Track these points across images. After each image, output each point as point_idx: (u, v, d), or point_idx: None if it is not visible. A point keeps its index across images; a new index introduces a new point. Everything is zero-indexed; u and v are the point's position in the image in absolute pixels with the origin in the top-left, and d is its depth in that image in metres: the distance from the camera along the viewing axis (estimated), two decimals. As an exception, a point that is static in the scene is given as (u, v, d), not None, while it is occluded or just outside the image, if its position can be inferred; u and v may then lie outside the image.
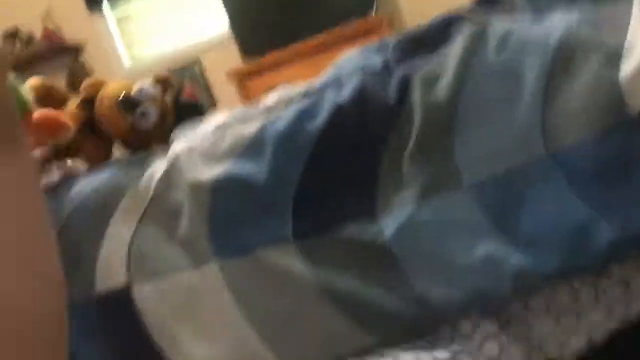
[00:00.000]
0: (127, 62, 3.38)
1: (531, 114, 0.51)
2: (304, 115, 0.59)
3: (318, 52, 2.55)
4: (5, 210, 0.34)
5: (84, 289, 0.61)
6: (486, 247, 0.52)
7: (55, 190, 0.70)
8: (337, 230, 0.56)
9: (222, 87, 3.14)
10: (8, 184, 0.34)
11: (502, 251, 0.51)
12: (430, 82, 0.56)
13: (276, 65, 2.60)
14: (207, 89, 3.31)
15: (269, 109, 0.64)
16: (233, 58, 2.94)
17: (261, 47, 2.73)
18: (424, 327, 0.56)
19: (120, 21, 3.34)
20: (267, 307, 0.57)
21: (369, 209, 0.56)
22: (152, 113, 0.75)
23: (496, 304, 0.55)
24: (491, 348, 0.55)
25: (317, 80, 0.64)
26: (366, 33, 2.51)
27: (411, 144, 0.55)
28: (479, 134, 0.53)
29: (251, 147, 0.61)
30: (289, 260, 0.56)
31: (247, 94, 2.65)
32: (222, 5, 2.75)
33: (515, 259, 0.51)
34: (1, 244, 0.33)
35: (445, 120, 0.54)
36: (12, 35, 3.22)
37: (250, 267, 0.57)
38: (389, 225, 0.55)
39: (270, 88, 0.70)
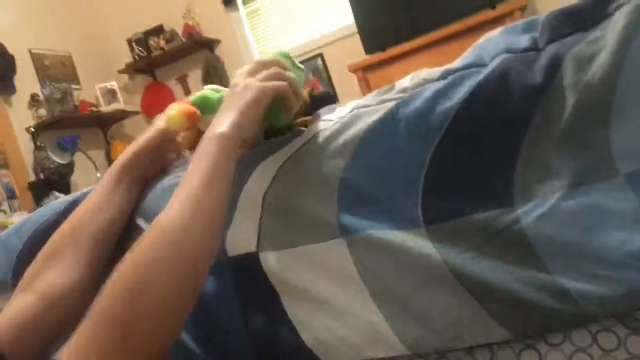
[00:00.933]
0: (257, 56, 3.56)
1: None
2: (440, 95, 0.58)
3: (443, 43, 2.49)
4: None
5: (219, 251, 0.65)
6: None
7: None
8: (470, 215, 0.55)
9: (343, 80, 3.19)
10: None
11: None
12: (585, 61, 0.52)
13: (398, 58, 2.58)
14: (329, 82, 3.38)
15: (404, 90, 0.63)
16: (354, 52, 2.96)
17: (384, 42, 2.73)
18: (564, 323, 0.52)
19: (249, 15, 3.52)
20: (392, 286, 0.57)
21: (505, 194, 0.54)
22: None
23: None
24: None
25: (457, 62, 0.62)
26: (494, 22, 2.39)
27: (560, 127, 0.51)
28: (639, 119, 0.49)
29: (384, 127, 0.61)
30: (419, 242, 0.55)
31: (368, 87, 2.66)
32: (348, 1, 2.80)
33: None
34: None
35: (601, 103, 0.50)
36: (157, 32, 3.54)
37: (378, 245, 0.57)
38: (527, 213, 0.52)
39: (392, 81, 0.70)
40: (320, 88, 3.39)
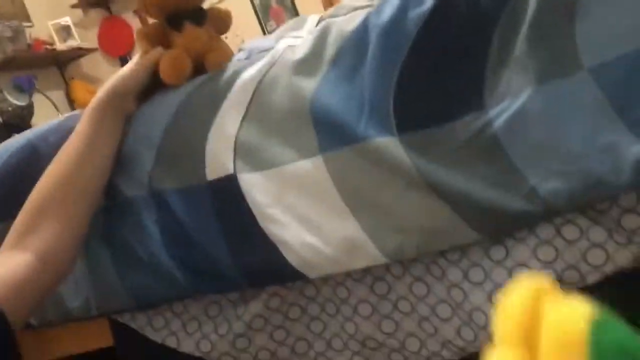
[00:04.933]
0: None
1: None
2: (410, 1, 0.57)
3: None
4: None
5: (196, 175, 0.66)
6: (606, 134, 0.49)
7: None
8: (442, 122, 0.55)
9: (308, 7, 3.09)
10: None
11: (623, 139, 0.48)
12: None
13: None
14: (293, 9, 3.27)
15: (373, -2, 0.62)
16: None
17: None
18: (533, 221, 0.54)
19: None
20: (369, 198, 0.58)
21: (477, 98, 0.54)
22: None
23: (610, 195, 0.52)
24: (597, 255, 0.54)
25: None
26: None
27: (526, 23, 0.51)
28: (605, 11, 0.49)
29: (353, 42, 0.60)
30: (394, 152, 0.56)
31: (332, 4, 2.59)
32: None
33: (637, 148, 0.47)
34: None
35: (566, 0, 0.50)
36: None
37: (354, 159, 0.58)
38: (498, 115, 0.53)
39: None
40: (285, 18, 3.29)
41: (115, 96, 0.69)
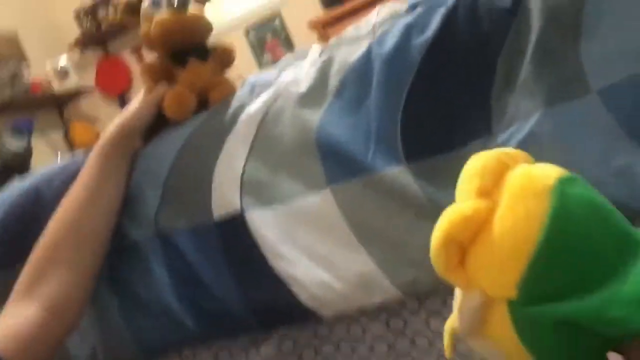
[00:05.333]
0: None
1: None
2: (412, 30, 0.57)
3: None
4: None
5: (203, 213, 0.64)
6: (619, 157, 0.48)
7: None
8: (450, 149, 0.54)
9: (304, 40, 3.13)
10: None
11: (637, 161, 0.47)
12: None
13: (360, 10, 2.54)
14: (288, 42, 3.32)
15: (375, 27, 0.62)
16: (313, 9, 2.90)
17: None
18: None
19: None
20: (380, 230, 0.56)
21: (484, 123, 0.53)
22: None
23: (627, 218, 0.51)
24: None
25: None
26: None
27: (531, 48, 0.51)
28: (609, 33, 0.48)
29: (357, 73, 0.60)
30: (403, 182, 0.55)
31: (328, 37, 2.62)
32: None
33: None
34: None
35: (570, 21, 0.49)
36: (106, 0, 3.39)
37: (362, 190, 0.57)
38: (508, 139, 0.52)
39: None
40: (281, 50, 3.33)
41: (122, 136, 0.69)
